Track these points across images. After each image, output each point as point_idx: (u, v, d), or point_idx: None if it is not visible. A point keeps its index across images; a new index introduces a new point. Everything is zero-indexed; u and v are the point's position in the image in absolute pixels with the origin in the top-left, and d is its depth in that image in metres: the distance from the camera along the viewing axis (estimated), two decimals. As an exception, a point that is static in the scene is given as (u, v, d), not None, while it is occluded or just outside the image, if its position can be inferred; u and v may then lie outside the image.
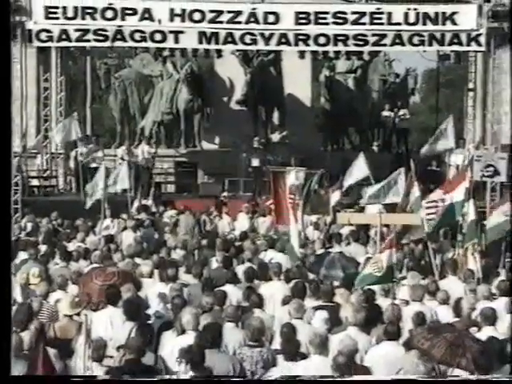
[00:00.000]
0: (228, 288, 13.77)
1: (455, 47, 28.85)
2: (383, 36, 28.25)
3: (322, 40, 28.32)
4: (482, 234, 17.83)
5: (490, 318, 12.00)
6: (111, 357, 10.58)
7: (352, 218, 21.91)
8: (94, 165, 28.95)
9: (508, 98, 30.99)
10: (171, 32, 28.17)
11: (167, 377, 8.46)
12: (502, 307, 12.80)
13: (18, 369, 9.21)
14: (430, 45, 28.60)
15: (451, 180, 19.47)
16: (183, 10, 28.19)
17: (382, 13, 28.11)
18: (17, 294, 13.45)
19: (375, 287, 14.00)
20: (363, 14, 28.31)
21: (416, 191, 18.45)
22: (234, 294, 13.62)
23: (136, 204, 26.05)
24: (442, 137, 29.56)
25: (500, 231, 17.95)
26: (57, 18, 27.95)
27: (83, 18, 27.95)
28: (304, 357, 10.43)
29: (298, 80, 35.39)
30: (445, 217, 17.94)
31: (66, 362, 9.63)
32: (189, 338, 10.71)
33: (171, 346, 10.91)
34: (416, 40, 28.25)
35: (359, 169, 24.52)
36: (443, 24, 28.08)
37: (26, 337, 10.43)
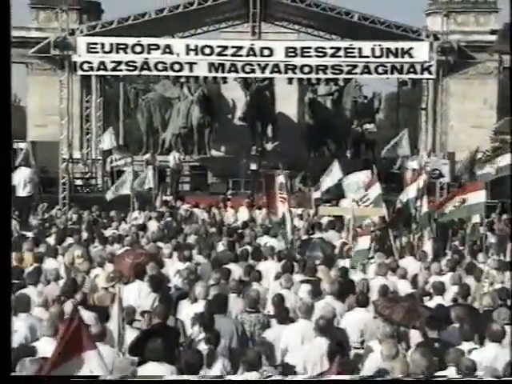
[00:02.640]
0: (231, 266, 13.75)
1: (411, 75, 28.86)
2: (355, 66, 28.25)
3: (306, 69, 28.31)
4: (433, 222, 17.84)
5: (440, 289, 12.03)
6: (139, 320, 10.55)
7: (329, 211, 21.91)
8: (124, 168, 28.91)
9: (452, 115, 31.13)
10: (187, 63, 28.18)
11: (168, 377, 7.62)
12: (449, 281, 12.79)
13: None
14: (392, 73, 28.63)
15: (407, 183, 19.44)
16: (196, 46, 28.25)
17: (353, 48, 28.13)
18: (63, 272, 13.40)
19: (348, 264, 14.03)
20: (339, 48, 28.35)
21: (378, 189, 18.41)
22: (237, 270, 13.59)
23: (158, 199, 26.05)
24: (400, 146, 29.69)
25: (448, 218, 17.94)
26: (96, 52, 27.97)
27: (117, 52, 27.97)
28: (292, 321, 10.42)
29: (287, 101, 35.52)
30: (404, 212, 17.95)
31: (104, 324, 9.58)
32: (200, 306, 10.70)
33: (187, 311, 10.90)
34: (381, 70, 28.26)
35: (335, 173, 24.57)
36: (402, 57, 28.10)
37: (70, 304, 10.38)
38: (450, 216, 17.78)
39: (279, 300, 11.03)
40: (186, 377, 7.73)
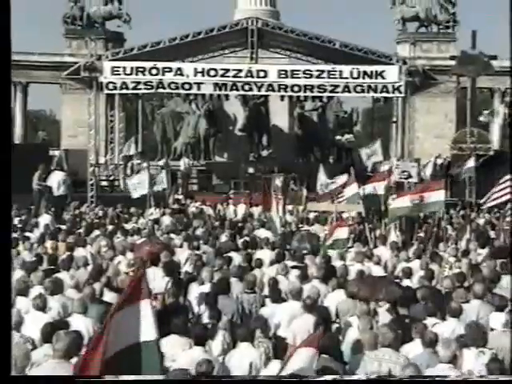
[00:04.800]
0: (233, 254, 13.70)
1: (384, 94, 28.86)
2: (336, 86, 28.25)
3: (295, 88, 28.32)
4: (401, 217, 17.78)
5: (408, 273, 12.02)
6: (155, 299, 10.46)
7: (315, 207, 21.90)
8: (142, 172, 28.83)
9: (418, 127, 31.14)
10: (195, 83, 28.16)
11: (169, 377, 6.49)
12: (416, 266, 12.79)
13: (94, 310, 9.16)
14: (368, 92, 28.62)
15: (375, 177, 19.36)
16: (203, 69, 28.30)
17: (335, 70, 28.16)
18: (91, 259, 13.33)
19: (331, 253, 13.99)
20: (323, 71, 28.37)
21: (355, 189, 18.39)
22: (237, 258, 13.54)
23: (171, 198, 26.00)
24: (374, 153, 29.70)
25: (402, 212, 17.65)
26: (119, 74, 27.95)
27: (136, 74, 27.95)
28: (284, 300, 10.39)
29: (279, 115, 35.48)
30: (370, 202, 17.82)
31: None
32: (206, 288, 10.67)
33: (195, 293, 10.84)
34: (358, 89, 28.26)
35: (321, 176, 24.60)
36: (376, 78, 28.10)
37: (97, 287, 10.35)
38: (408, 211, 17.52)
39: (274, 283, 11.00)
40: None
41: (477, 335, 7.90)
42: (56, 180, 25.04)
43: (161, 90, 28.98)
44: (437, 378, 6.55)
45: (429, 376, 6.55)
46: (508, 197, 17.70)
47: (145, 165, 29.80)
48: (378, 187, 18.06)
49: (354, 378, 7.11)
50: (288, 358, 6.50)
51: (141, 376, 5.51)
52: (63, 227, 18.21)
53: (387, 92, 28.54)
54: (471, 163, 25.66)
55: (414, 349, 7.89)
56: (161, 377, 5.72)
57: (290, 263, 12.92)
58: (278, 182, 18.31)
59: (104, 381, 5.56)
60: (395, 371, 7.01)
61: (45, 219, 19.63)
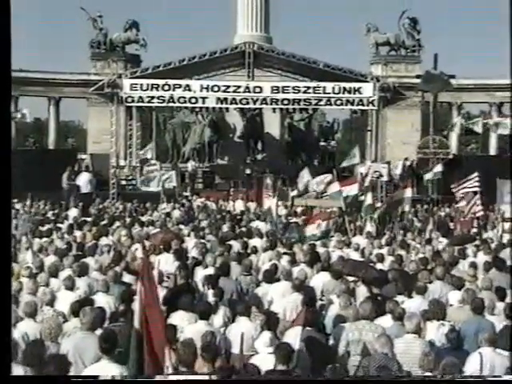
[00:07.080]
0: (232, 242, 13.68)
1: (360, 107, 28.89)
2: (320, 100, 28.31)
3: (285, 102, 28.39)
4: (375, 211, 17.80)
5: (380, 258, 12.03)
6: (167, 281, 10.45)
7: (302, 203, 21.90)
8: (156, 173, 28.78)
9: (389, 135, 31.15)
10: (201, 97, 28.20)
11: (168, 377, 5.33)
12: (386, 252, 12.80)
13: (115, 289, 9.11)
14: (346, 105, 28.69)
15: (348, 180, 19.48)
16: (207, 85, 28.38)
17: (319, 87, 28.24)
18: (112, 246, 13.28)
19: (316, 242, 13.99)
20: (309, 87, 28.47)
21: (337, 187, 18.39)
22: (236, 245, 13.53)
23: (180, 194, 25.96)
24: (352, 157, 29.69)
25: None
26: (136, 90, 28.00)
27: (151, 90, 27.98)
28: (278, 280, 10.37)
29: (272, 125, 35.48)
30: (350, 204, 17.85)
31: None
32: (210, 271, 10.65)
33: (200, 275, 10.81)
34: (338, 102, 28.34)
35: (305, 176, 24.59)
36: (354, 93, 28.16)
37: (118, 270, 10.33)
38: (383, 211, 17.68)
39: (275, 268, 10.94)
40: (186, 377, 5.88)
41: (438, 310, 7.93)
42: (83, 180, 25.08)
43: (171, 104, 28.99)
44: (435, 378, 6.02)
45: (429, 376, 6.21)
46: (475, 189, 17.98)
47: (158, 167, 29.85)
48: (352, 188, 18.18)
49: (355, 377, 6.60)
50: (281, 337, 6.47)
51: (143, 376, 4.88)
52: (89, 219, 18.19)
53: (363, 105, 28.57)
54: (439, 168, 26.11)
55: (385, 322, 7.90)
56: (163, 377, 5.09)
57: (281, 250, 12.94)
58: (269, 181, 18.30)
59: (104, 380, 5.06)
60: (373, 338, 7.03)
61: (73, 212, 19.62)
